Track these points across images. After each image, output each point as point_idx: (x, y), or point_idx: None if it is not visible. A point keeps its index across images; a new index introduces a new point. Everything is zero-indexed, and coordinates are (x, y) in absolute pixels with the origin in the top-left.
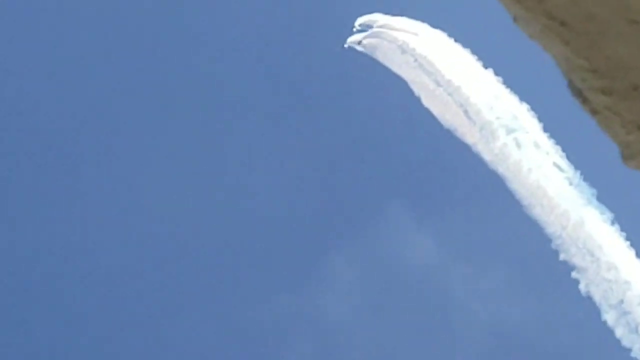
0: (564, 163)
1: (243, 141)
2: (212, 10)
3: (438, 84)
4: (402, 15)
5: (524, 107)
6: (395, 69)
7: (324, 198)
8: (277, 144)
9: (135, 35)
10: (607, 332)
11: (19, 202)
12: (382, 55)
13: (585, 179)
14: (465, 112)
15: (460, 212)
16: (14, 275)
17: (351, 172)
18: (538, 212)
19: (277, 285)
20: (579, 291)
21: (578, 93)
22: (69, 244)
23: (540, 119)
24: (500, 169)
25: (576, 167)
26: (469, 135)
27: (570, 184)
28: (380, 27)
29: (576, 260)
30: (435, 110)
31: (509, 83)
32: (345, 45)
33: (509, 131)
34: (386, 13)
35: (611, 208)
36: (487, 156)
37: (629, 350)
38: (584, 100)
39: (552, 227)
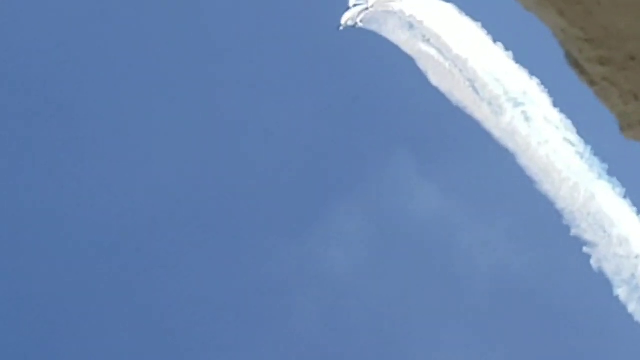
0: (574, 137)
1: (244, 92)
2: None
3: (446, 58)
4: None
5: (534, 81)
6: (401, 44)
7: (326, 148)
8: (280, 95)
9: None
10: (620, 307)
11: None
12: (386, 29)
13: (596, 154)
14: (474, 87)
15: (464, 162)
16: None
17: (354, 122)
18: (548, 186)
19: (280, 237)
20: (590, 266)
21: (575, 64)
22: (74, 190)
23: (550, 94)
24: (510, 144)
25: (587, 142)
26: (478, 111)
27: (582, 158)
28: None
29: (587, 236)
30: (444, 87)
31: (519, 58)
32: (341, 27)
33: (518, 105)
34: None
35: (623, 182)
36: (496, 131)
37: None
38: (582, 72)
39: (562, 202)
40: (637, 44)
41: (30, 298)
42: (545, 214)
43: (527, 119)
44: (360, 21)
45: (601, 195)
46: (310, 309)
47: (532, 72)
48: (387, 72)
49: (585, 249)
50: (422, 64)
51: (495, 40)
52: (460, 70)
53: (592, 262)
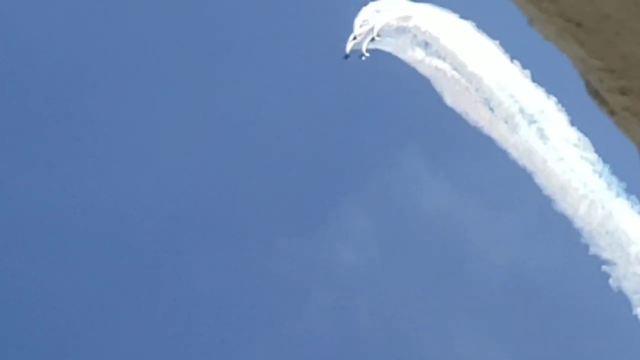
0: (592, 156)
1: (254, 88)
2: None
3: (461, 77)
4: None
5: (552, 100)
6: (415, 63)
7: (337, 145)
8: (290, 94)
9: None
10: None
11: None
12: (399, 48)
13: (614, 172)
14: (490, 106)
15: (475, 158)
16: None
17: (364, 119)
18: (566, 205)
19: (290, 234)
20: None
21: (595, 94)
22: (76, 184)
23: (567, 113)
24: (527, 163)
25: (605, 161)
26: (495, 130)
27: (600, 176)
28: (401, 17)
29: (606, 254)
30: (459, 106)
31: (537, 77)
32: (347, 57)
33: (536, 124)
34: None
35: None
36: (513, 151)
37: None
38: (602, 102)
39: (580, 220)
40: None
41: (31, 298)
42: (558, 211)
43: (543, 137)
44: (367, 51)
45: (619, 214)
46: (321, 306)
47: (550, 91)
48: (397, 71)
49: (604, 268)
50: (437, 84)
51: (512, 59)
52: (476, 89)
53: (611, 281)
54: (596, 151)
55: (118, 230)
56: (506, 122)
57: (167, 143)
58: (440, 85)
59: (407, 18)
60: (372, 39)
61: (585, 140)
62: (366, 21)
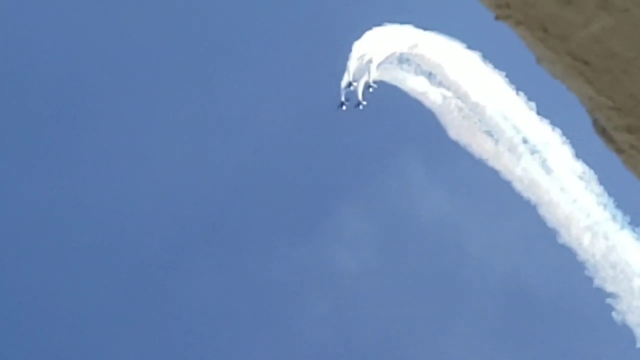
0: (596, 188)
1: (253, 92)
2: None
3: (465, 108)
4: (433, 29)
5: (557, 133)
6: (418, 95)
7: (336, 149)
8: (287, 97)
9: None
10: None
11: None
12: (403, 79)
13: (618, 206)
14: (494, 138)
15: (473, 163)
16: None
17: (363, 123)
18: (570, 238)
19: (288, 238)
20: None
21: (603, 132)
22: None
23: (573, 146)
24: (531, 196)
25: (609, 194)
26: (499, 162)
27: (604, 208)
28: (405, 45)
29: (610, 287)
30: (463, 138)
31: (542, 109)
32: (343, 107)
33: (540, 156)
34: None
35: None
36: (517, 183)
37: None
38: (609, 139)
39: (584, 253)
40: None
41: (32, 299)
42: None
43: (547, 169)
44: (364, 100)
45: (624, 246)
46: (318, 311)
47: (556, 124)
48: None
49: (608, 300)
50: (441, 116)
51: (518, 91)
52: (480, 121)
53: (615, 314)
54: (601, 184)
55: (116, 233)
56: (510, 153)
57: (166, 147)
58: (444, 117)
59: (412, 47)
60: (369, 87)
61: (590, 173)
62: (362, 57)
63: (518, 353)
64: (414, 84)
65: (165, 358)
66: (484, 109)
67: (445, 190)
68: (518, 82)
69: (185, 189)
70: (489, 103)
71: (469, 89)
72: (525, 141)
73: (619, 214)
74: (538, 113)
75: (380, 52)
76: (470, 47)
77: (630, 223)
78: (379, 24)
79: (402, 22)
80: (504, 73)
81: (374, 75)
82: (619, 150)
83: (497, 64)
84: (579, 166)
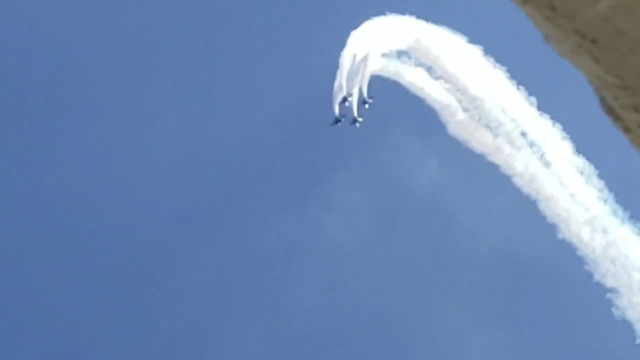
0: (596, 183)
1: (248, 61)
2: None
3: (465, 103)
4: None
5: (557, 128)
6: (418, 90)
7: (327, 120)
8: (281, 68)
9: None
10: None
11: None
12: (404, 75)
13: (618, 201)
14: (492, 132)
15: None
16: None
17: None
18: (570, 232)
19: (281, 209)
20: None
21: (610, 111)
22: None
23: (574, 141)
24: (531, 190)
25: (610, 188)
26: (499, 157)
27: (605, 203)
28: (406, 38)
29: (610, 282)
30: (463, 134)
31: (542, 104)
32: (338, 124)
33: (539, 151)
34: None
35: None
36: (517, 178)
37: None
38: (616, 118)
39: (585, 247)
40: None
41: (34, 299)
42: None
43: (547, 164)
44: (360, 116)
45: (625, 241)
46: (310, 280)
47: (556, 119)
48: None
49: (608, 295)
50: (441, 112)
51: (518, 85)
52: (479, 115)
53: (614, 309)
54: (601, 178)
55: (107, 206)
56: (510, 148)
57: (159, 124)
58: (443, 111)
59: (413, 39)
60: (364, 102)
61: (590, 168)
62: (354, 58)
63: (509, 321)
64: (413, 77)
65: (158, 322)
66: (483, 103)
67: (438, 161)
68: (519, 77)
69: (177, 162)
70: (489, 98)
71: (469, 84)
72: (524, 136)
73: (619, 209)
74: (539, 108)
75: (376, 46)
76: (472, 41)
77: (630, 218)
78: (381, 14)
79: (403, 13)
80: (505, 68)
81: (372, 68)
82: (626, 129)
83: (499, 59)
84: (580, 161)
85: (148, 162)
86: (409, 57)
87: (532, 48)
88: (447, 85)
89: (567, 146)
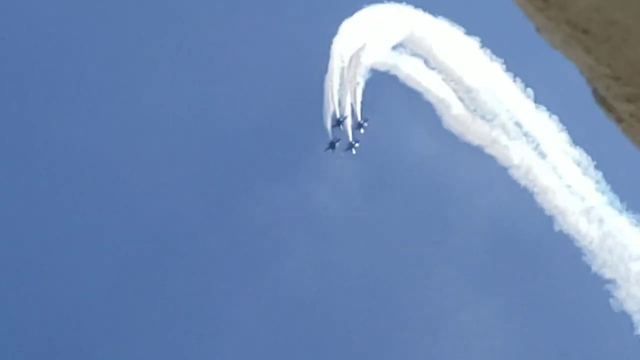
0: (593, 174)
1: (239, 44)
2: None
3: (460, 95)
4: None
5: (553, 120)
6: (415, 84)
7: (317, 89)
8: (272, 41)
9: None
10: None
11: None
12: (400, 68)
13: (615, 191)
14: (490, 125)
15: None
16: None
17: None
18: (567, 223)
19: (271, 179)
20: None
21: (602, 101)
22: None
23: (570, 133)
24: (527, 182)
25: (607, 180)
26: (494, 149)
27: (602, 194)
28: (402, 31)
29: (608, 272)
30: (458, 128)
31: (539, 95)
32: (331, 150)
33: (535, 143)
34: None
35: None
36: (514, 170)
37: None
38: (609, 109)
39: (582, 238)
40: None
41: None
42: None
43: (544, 155)
44: (356, 142)
45: (622, 231)
46: (301, 249)
47: (552, 110)
48: None
49: (606, 287)
50: (438, 107)
51: (515, 78)
52: (475, 107)
53: (612, 300)
54: (598, 169)
55: (115, 189)
56: (505, 140)
57: (153, 100)
58: (439, 104)
59: (409, 29)
60: (360, 125)
61: (587, 160)
62: (344, 62)
63: (501, 289)
64: (409, 69)
65: (153, 298)
66: (479, 95)
67: (430, 129)
68: (516, 69)
69: (169, 133)
70: (486, 90)
71: (465, 75)
72: (520, 127)
73: (616, 199)
74: (535, 100)
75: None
76: (469, 32)
77: (627, 209)
78: (377, 2)
79: (400, 1)
80: (502, 60)
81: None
82: (619, 120)
83: (496, 51)
84: (576, 152)
85: (141, 136)
86: (404, 48)
87: (529, 41)
88: (442, 76)
89: (563, 138)
